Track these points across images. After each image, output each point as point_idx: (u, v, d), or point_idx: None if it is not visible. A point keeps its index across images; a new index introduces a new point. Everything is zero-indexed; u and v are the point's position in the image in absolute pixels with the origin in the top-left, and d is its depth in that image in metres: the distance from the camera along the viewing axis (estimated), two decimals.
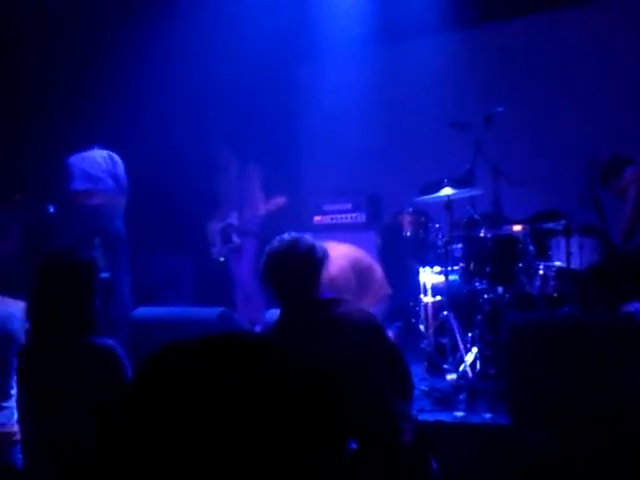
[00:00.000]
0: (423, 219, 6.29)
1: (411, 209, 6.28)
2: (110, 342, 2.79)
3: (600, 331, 3.63)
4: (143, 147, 6.28)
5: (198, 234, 6.80)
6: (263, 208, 6.41)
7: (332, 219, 6.89)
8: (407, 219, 6.28)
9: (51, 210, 6.33)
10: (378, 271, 5.64)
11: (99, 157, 5.86)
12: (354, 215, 6.95)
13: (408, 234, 6.26)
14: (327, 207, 7.02)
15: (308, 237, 3.01)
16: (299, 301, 2.94)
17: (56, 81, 6.39)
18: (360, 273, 5.47)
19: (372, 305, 5.30)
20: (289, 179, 6.82)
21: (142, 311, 4.71)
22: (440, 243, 5.56)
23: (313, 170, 7.43)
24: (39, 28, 6.24)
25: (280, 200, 6.38)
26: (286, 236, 2.98)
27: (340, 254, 5.46)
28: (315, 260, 2.95)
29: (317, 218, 6.98)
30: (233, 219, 6.62)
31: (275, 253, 2.94)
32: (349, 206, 6.98)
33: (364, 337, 2.86)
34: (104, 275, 4.94)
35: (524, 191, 5.97)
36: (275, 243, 2.98)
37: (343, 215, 6.94)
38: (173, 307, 4.93)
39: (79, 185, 5.76)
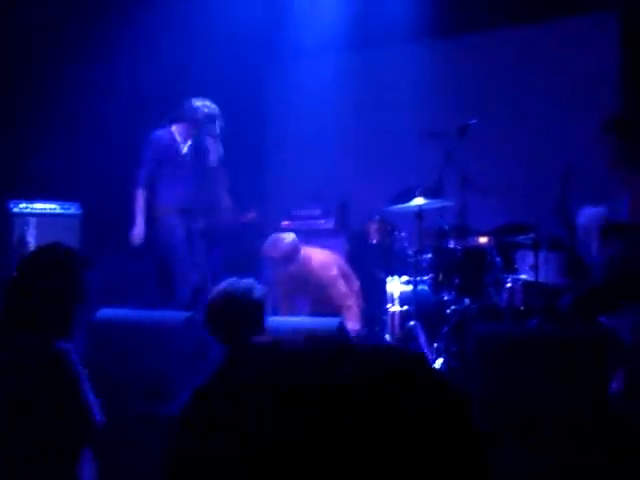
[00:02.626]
0: (389, 228, 6.30)
1: (378, 217, 6.29)
2: (65, 345, 2.73)
3: (567, 344, 3.64)
4: (109, 146, 6.19)
5: None
6: (232, 218, 6.32)
7: (300, 224, 6.83)
8: (374, 227, 6.28)
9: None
10: (357, 283, 5.70)
11: None
12: (323, 221, 6.91)
13: (374, 242, 6.26)
14: (296, 212, 6.97)
15: (247, 281, 3.07)
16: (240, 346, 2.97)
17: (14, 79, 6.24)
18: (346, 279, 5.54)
19: (356, 318, 5.32)
20: (257, 182, 6.75)
21: (105, 312, 4.61)
22: (408, 252, 5.57)
23: (282, 174, 7.37)
24: None
25: (250, 215, 6.32)
26: (222, 284, 3.07)
27: (333, 259, 5.52)
28: (252, 303, 3.01)
29: (285, 223, 6.93)
30: (199, 224, 6.49)
31: (213, 303, 3.03)
32: (318, 212, 6.95)
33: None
34: None
35: (490, 202, 6.01)
36: (213, 293, 3.08)
37: (312, 220, 6.90)
38: (138, 309, 4.83)
39: None
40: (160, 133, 5.61)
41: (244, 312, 3.00)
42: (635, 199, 4.09)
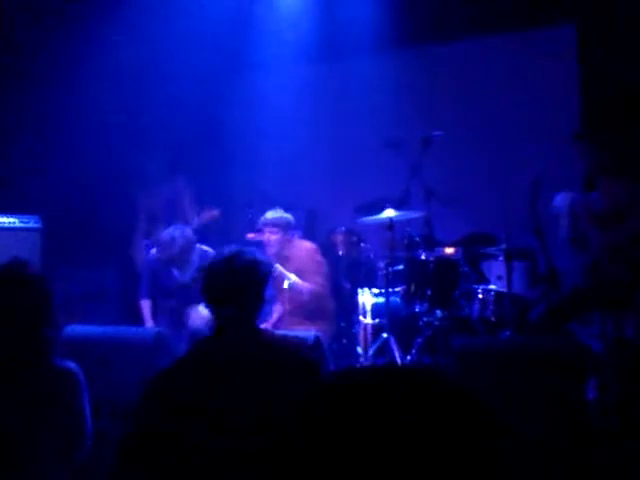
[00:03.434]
0: (355, 239, 6.31)
1: (344, 228, 6.28)
2: (72, 365, 2.67)
3: (547, 356, 3.67)
4: (71, 157, 6.05)
5: (123, 246, 6.58)
6: (196, 221, 6.25)
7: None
8: (339, 238, 6.29)
9: None
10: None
11: None
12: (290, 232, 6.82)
13: (341, 253, 6.25)
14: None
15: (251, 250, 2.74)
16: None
17: None
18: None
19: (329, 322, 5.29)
20: (222, 194, 6.66)
21: (72, 329, 4.48)
22: (378, 264, 5.57)
23: (246, 184, 7.29)
24: None
25: (214, 212, 6.24)
26: (226, 249, 2.70)
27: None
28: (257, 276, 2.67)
29: (250, 235, 6.84)
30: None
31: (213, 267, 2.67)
32: None
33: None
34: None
35: (453, 213, 6.05)
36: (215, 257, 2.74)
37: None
38: (106, 326, 4.71)
39: None
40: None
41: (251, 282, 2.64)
42: (615, 204, 4.16)
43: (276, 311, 5.41)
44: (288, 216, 5.52)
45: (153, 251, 5.74)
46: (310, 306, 5.22)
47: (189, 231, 5.48)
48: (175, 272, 5.55)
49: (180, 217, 6.32)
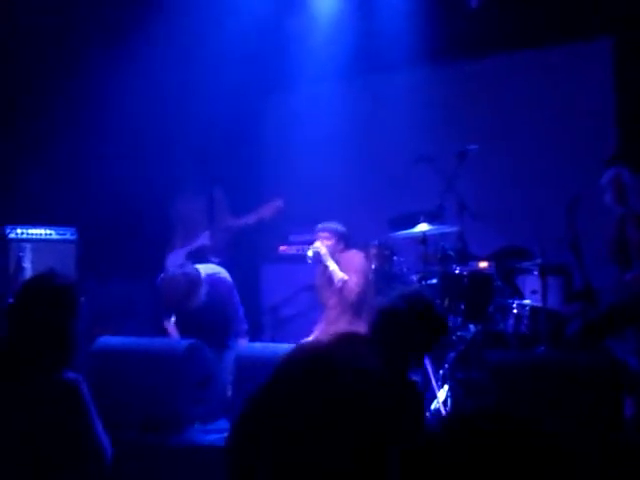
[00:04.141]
0: (388, 252, 6.26)
1: (377, 242, 6.25)
2: (74, 376, 2.66)
3: (583, 372, 3.61)
4: (109, 169, 6.13)
5: (155, 260, 6.61)
6: (253, 217, 6.23)
7: (298, 250, 6.75)
8: (373, 252, 6.24)
9: None
10: None
11: None
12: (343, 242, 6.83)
13: (373, 267, 6.22)
14: (293, 237, 6.90)
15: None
16: None
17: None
18: None
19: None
20: (254, 208, 6.66)
21: (105, 340, 4.51)
22: (411, 277, 5.54)
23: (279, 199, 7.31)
24: None
25: (277, 203, 6.23)
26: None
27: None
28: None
29: (282, 248, 6.86)
30: (205, 239, 6.39)
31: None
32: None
33: None
34: None
35: (486, 227, 6.01)
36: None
37: (309, 246, 6.82)
38: (138, 337, 4.73)
39: None
40: None
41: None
42: None
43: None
44: (342, 227, 5.75)
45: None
46: (357, 304, 5.44)
47: (191, 267, 5.11)
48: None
49: (217, 226, 6.34)
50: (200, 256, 6.16)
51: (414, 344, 2.96)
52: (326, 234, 5.69)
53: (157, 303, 5.74)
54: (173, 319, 5.40)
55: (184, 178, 6.60)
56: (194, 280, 4.97)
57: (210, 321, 5.04)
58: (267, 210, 6.24)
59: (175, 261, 6.31)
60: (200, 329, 4.96)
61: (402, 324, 2.89)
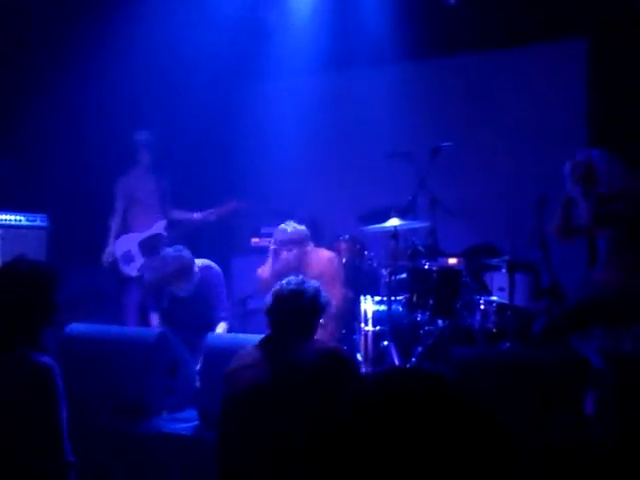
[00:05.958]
0: (359, 247, 6.31)
1: (347, 236, 6.29)
2: (48, 360, 2.68)
3: (546, 368, 3.68)
4: (80, 155, 6.10)
5: None
6: (214, 213, 6.20)
7: (270, 241, 6.77)
8: (343, 246, 6.28)
9: None
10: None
11: None
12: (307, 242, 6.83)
13: (344, 261, 6.26)
14: (265, 229, 6.90)
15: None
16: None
17: None
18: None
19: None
20: (226, 197, 6.64)
21: (76, 327, 4.51)
22: (381, 272, 5.58)
23: (251, 191, 7.32)
24: None
25: (232, 203, 6.20)
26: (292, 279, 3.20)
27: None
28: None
29: (255, 240, 6.87)
30: (160, 228, 6.20)
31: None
32: None
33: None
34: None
35: (457, 224, 6.08)
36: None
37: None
38: (109, 325, 4.74)
39: None
40: None
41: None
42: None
43: None
44: (302, 228, 5.27)
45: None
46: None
47: (187, 253, 5.04)
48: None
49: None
50: (154, 247, 6.00)
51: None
52: (289, 246, 5.21)
53: (143, 295, 5.69)
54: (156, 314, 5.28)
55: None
56: (187, 264, 4.98)
57: (198, 313, 5.06)
58: (223, 210, 6.23)
59: (124, 248, 6.17)
60: (187, 319, 5.02)
61: None
